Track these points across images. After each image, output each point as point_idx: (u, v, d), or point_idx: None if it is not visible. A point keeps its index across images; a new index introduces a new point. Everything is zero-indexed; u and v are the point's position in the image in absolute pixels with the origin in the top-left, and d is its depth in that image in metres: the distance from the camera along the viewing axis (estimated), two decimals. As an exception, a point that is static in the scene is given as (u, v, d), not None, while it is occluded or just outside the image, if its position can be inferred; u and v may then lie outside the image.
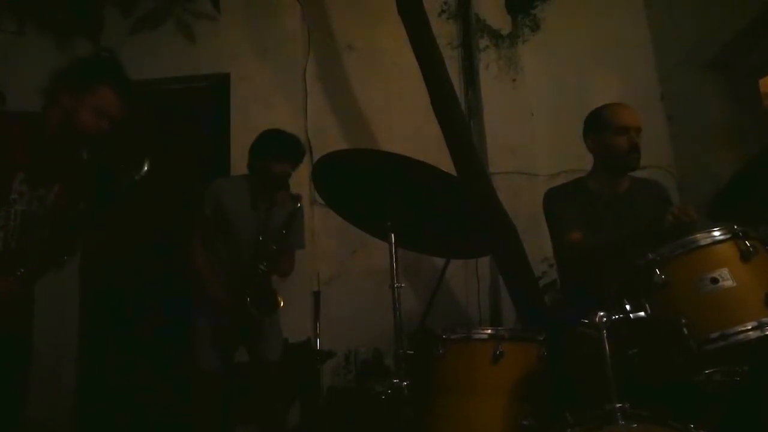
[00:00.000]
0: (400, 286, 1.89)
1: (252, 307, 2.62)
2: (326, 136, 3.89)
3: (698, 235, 1.58)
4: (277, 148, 2.78)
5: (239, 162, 3.57)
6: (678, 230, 1.90)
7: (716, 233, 1.56)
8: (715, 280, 1.50)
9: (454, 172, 3.09)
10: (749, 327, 1.44)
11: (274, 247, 2.70)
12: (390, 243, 1.92)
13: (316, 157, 2.12)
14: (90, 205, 2.08)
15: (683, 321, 1.49)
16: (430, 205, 1.94)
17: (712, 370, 1.52)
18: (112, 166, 2.06)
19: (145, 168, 2.00)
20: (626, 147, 2.28)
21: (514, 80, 3.93)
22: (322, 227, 3.78)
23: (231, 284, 2.70)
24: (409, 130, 3.81)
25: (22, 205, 1.99)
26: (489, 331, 1.91)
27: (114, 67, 2.14)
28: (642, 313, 1.55)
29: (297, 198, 2.75)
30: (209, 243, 2.80)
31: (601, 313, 1.52)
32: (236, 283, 2.69)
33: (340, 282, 3.76)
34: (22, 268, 1.93)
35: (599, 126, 2.35)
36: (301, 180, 3.66)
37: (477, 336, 1.91)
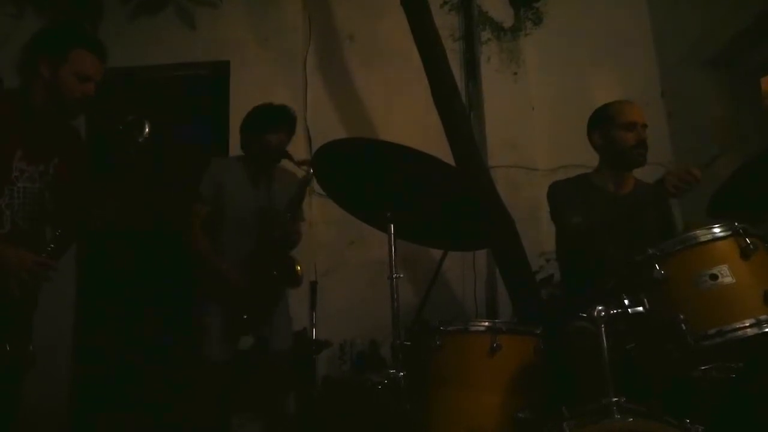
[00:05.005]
0: (398, 277, 1.88)
1: (278, 279, 2.64)
2: (326, 126, 3.87)
3: (698, 231, 1.58)
4: (270, 118, 2.77)
5: (238, 150, 3.55)
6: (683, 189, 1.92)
7: (716, 230, 1.56)
8: (714, 277, 1.51)
9: (453, 165, 3.08)
10: (747, 324, 1.45)
11: (289, 215, 2.70)
12: (389, 234, 1.91)
13: (316, 146, 2.11)
14: (94, 175, 2.09)
15: (681, 317, 1.50)
16: (429, 197, 1.93)
17: (708, 366, 1.52)
18: (111, 131, 2.04)
19: (147, 130, 1.98)
20: (633, 142, 2.28)
21: (515, 74, 3.92)
22: (321, 217, 3.76)
23: (242, 264, 2.68)
24: (409, 121, 3.79)
25: (24, 182, 1.99)
26: (486, 324, 1.92)
27: (80, 28, 2.14)
28: (640, 308, 1.56)
29: (306, 164, 2.67)
30: (211, 226, 2.75)
31: (600, 308, 1.53)
32: (249, 261, 2.68)
33: (337, 273, 3.75)
34: (51, 244, 1.93)
35: (605, 121, 2.35)
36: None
37: (474, 328, 1.92)
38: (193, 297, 2.78)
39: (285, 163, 2.78)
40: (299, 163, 2.70)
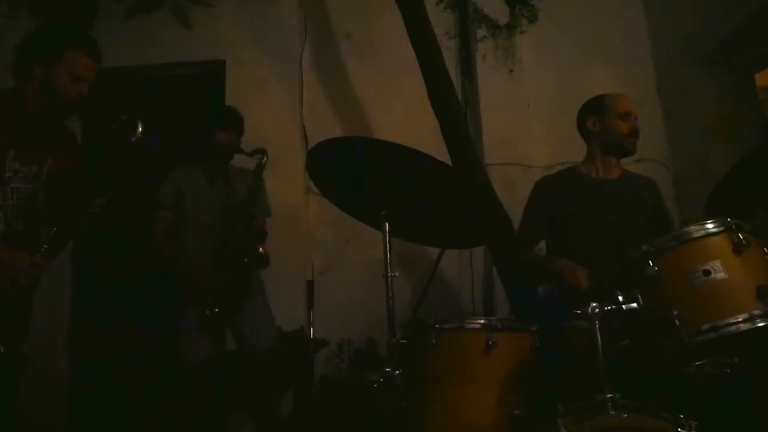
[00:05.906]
0: (394, 275, 1.89)
1: (248, 265, 2.71)
2: (322, 125, 3.87)
3: (692, 227, 1.58)
4: (216, 117, 2.92)
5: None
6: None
7: (709, 226, 1.57)
8: (707, 273, 1.51)
9: (449, 163, 3.09)
10: (740, 319, 1.45)
11: (248, 207, 2.77)
12: (384, 232, 1.92)
13: (312, 145, 2.11)
14: (89, 174, 2.10)
15: (675, 312, 1.50)
16: (425, 195, 1.93)
17: (702, 362, 1.53)
18: (104, 131, 2.04)
19: (140, 129, 1.99)
20: (628, 131, 2.38)
21: (510, 71, 3.92)
22: (317, 216, 3.77)
23: (207, 262, 2.73)
24: (406, 119, 3.79)
25: (17, 182, 2.00)
26: (482, 321, 1.92)
27: (74, 29, 2.15)
28: (634, 305, 1.56)
29: (261, 151, 2.77)
30: (174, 231, 2.84)
31: (594, 304, 1.53)
32: (215, 256, 2.73)
33: (334, 271, 3.76)
34: (45, 244, 1.94)
35: (601, 109, 2.44)
36: (296, 168, 3.66)
37: (470, 326, 1.92)
38: (172, 299, 2.82)
39: (243, 161, 2.87)
40: (251, 154, 2.78)
